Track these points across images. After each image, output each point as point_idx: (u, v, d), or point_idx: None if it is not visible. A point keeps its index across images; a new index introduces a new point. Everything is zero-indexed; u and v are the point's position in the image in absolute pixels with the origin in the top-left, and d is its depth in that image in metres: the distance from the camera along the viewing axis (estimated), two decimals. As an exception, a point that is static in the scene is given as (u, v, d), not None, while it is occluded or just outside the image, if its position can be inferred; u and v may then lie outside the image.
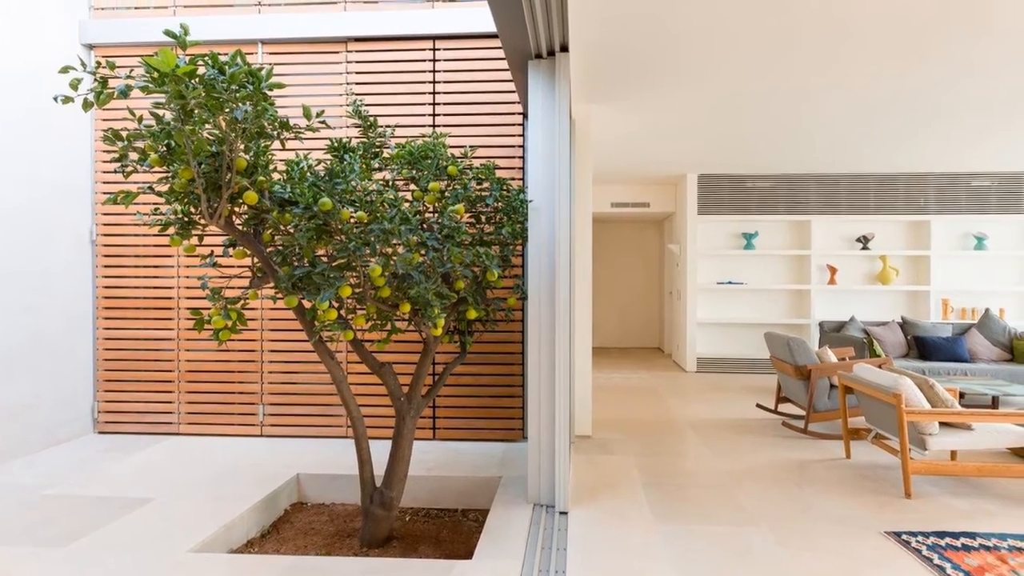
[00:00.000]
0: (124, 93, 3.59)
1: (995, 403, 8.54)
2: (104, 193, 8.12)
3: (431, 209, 5.66)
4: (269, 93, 3.97)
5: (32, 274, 7.39)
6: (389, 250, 4.67)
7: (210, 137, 4.12)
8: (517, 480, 6.25)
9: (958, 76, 7.12)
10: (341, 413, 7.87)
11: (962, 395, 8.54)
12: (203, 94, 3.62)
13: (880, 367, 7.67)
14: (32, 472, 6.66)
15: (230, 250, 4.80)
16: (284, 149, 4.62)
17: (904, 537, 5.09)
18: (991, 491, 6.25)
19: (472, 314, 5.43)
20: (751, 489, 6.28)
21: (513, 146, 7.68)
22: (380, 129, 5.60)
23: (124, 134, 3.96)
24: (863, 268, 14.15)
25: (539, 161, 5.66)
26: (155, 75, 3.53)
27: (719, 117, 9.04)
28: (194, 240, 4.60)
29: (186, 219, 4.46)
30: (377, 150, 5.54)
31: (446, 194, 5.54)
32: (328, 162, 4.80)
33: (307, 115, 4.28)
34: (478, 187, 5.83)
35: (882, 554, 4.84)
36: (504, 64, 7.49)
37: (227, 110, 3.82)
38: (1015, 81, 7.25)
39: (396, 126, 6.56)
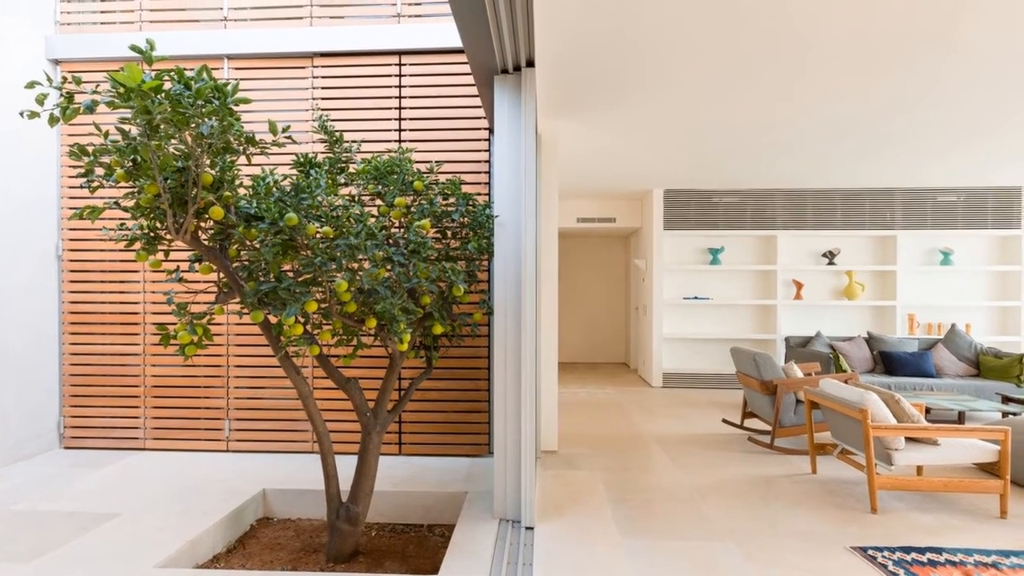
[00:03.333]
0: (90, 108, 3.59)
1: (961, 418, 8.61)
2: (70, 208, 8.06)
3: (397, 224, 5.70)
4: (235, 108, 3.98)
5: (-4, 289, 7.34)
6: (355, 265, 4.68)
7: (176, 152, 4.12)
8: (483, 495, 6.25)
9: (923, 93, 7.21)
10: (307, 428, 7.84)
11: (928, 410, 8.61)
12: (169, 109, 3.63)
13: (846, 382, 7.72)
14: (-4, 488, 6.61)
15: (196, 265, 4.80)
16: (250, 164, 4.64)
17: (870, 552, 5.13)
18: (957, 506, 6.31)
19: (438, 329, 5.43)
20: (717, 504, 6.32)
21: (479, 161, 7.70)
22: (346, 144, 5.62)
23: (90, 149, 3.96)
24: (829, 283, 14.25)
25: (505, 176, 5.70)
26: (121, 90, 3.53)
27: (685, 132, 9.10)
28: (160, 255, 4.58)
29: (152, 234, 4.45)
30: (343, 165, 5.56)
31: (412, 209, 5.57)
32: (294, 177, 4.79)
33: (273, 130, 4.29)
34: (444, 202, 5.85)
35: (848, 569, 4.88)
36: (470, 79, 7.50)
37: (193, 125, 3.82)
38: (979, 99, 7.36)
39: (362, 141, 6.58)
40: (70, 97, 3.66)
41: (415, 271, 4.91)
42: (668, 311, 14.58)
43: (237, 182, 4.53)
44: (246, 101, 4.01)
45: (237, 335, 7.94)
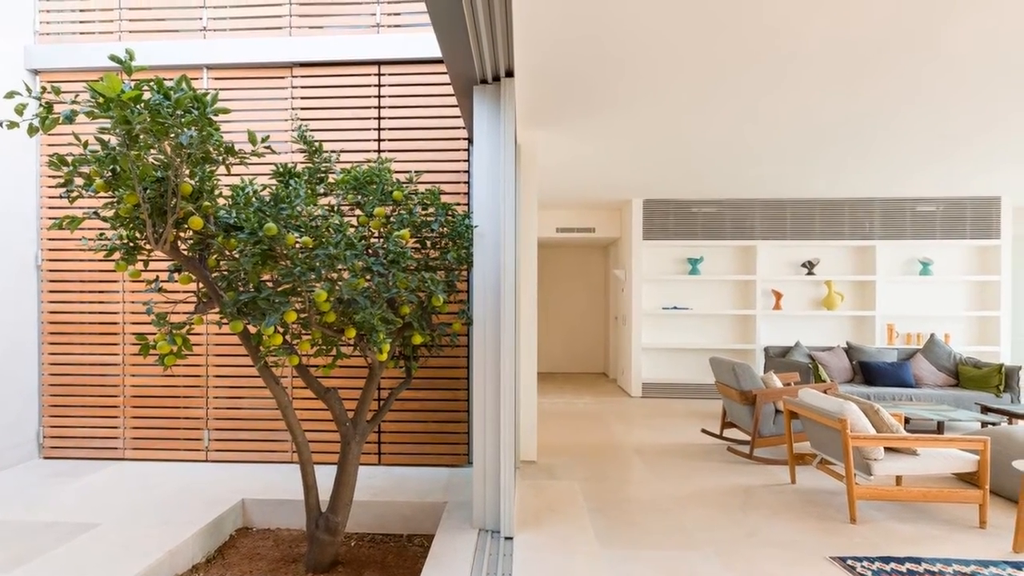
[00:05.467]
0: (69, 118, 3.59)
1: (940, 428, 8.62)
2: (50, 218, 8.06)
3: (376, 234, 5.68)
4: (214, 118, 3.99)
5: (-25, 299, 7.31)
6: (334, 275, 4.68)
7: (155, 162, 4.12)
8: (462, 505, 6.26)
9: (903, 103, 7.25)
10: (286, 438, 7.84)
11: (907, 420, 8.62)
12: (148, 119, 3.63)
13: (825, 392, 7.75)
14: (-25, 498, 6.58)
15: (175, 275, 4.79)
16: (229, 174, 4.64)
17: (849, 562, 5.14)
18: (936, 516, 6.33)
19: (417, 339, 5.45)
20: (697, 514, 6.33)
21: (458, 171, 7.74)
22: (325, 154, 5.63)
23: (69, 159, 3.96)
24: (808, 293, 14.32)
25: (484, 186, 5.72)
26: (100, 100, 3.54)
27: (664, 142, 9.14)
28: (139, 265, 4.57)
29: (131, 244, 4.45)
30: (322, 175, 5.57)
31: (391, 219, 5.58)
32: (273, 187, 4.80)
33: (252, 140, 4.30)
34: (423, 212, 5.87)
35: (827, 579, 4.90)
36: (449, 89, 7.53)
37: (172, 135, 3.83)
38: (959, 108, 7.40)
39: (341, 151, 6.61)
40: (49, 107, 3.66)
41: (394, 281, 4.92)
42: (647, 321, 14.61)
43: (216, 192, 4.54)
44: (225, 111, 4.03)
45: (216, 345, 7.93)
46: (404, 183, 5.89)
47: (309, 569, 5.29)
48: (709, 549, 5.44)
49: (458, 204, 7.51)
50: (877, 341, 13.72)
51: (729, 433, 9.84)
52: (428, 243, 6.00)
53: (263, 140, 4.45)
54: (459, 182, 7.72)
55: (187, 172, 4.22)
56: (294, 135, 5.71)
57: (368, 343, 4.86)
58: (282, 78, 7.89)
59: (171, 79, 3.93)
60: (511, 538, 5.47)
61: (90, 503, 6.38)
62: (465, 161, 7.74)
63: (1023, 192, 12.89)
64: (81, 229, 7.28)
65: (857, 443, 6.17)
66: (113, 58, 3.69)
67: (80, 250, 8.01)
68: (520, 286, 7.78)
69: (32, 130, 3.71)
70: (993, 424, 8.52)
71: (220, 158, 4.30)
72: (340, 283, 4.58)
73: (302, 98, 7.87)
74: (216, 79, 7.91)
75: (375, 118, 7.80)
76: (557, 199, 14.23)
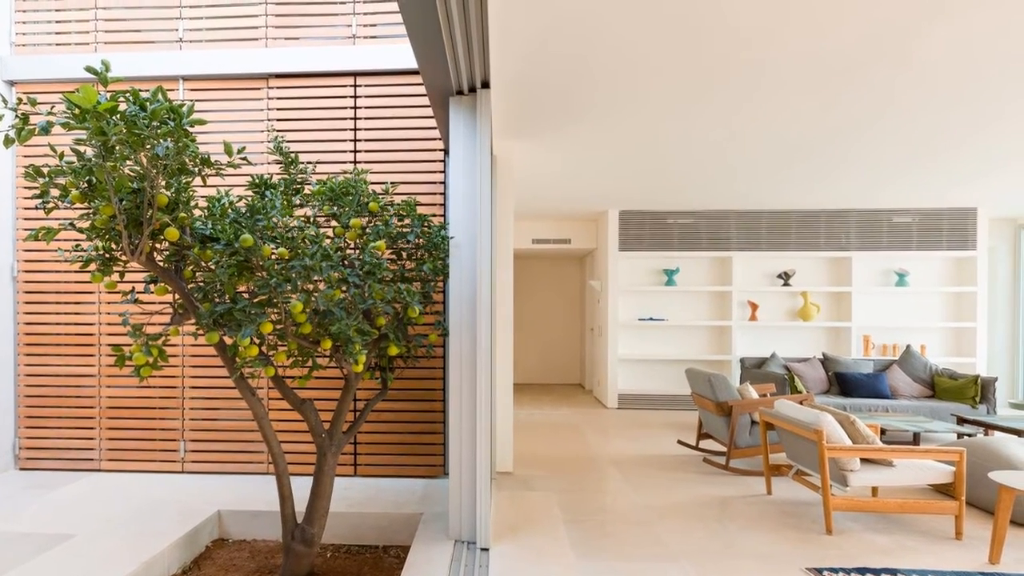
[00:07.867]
0: (45, 129, 3.58)
1: (916, 439, 8.66)
2: (25, 229, 8.02)
3: (352, 245, 5.68)
4: (190, 129, 3.99)
5: (-51, 310, 7.27)
6: (310, 286, 4.69)
7: (131, 173, 4.11)
8: (438, 516, 6.26)
9: (876, 114, 7.30)
10: (262, 449, 7.82)
11: (883, 431, 8.65)
12: (124, 130, 3.63)
13: (801, 403, 7.78)
14: (-50, 510, 6.54)
15: (151, 286, 4.79)
16: (205, 185, 4.63)
17: (825, 573, 5.16)
18: (912, 527, 6.35)
19: (393, 350, 5.46)
20: (673, 525, 6.34)
21: (434, 182, 7.76)
22: (301, 165, 5.63)
23: (45, 170, 3.94)
24: (784, 304, 14.42)
25: (460, 197, 5.74)
26: (76, 111, 3.54)
27: (640, 154, 9.19)
28: (115, 276, 4.55)
29: (107, 255, 4.43)
30: (298, 186, 5.58)
31: (367, 230, 5.59)
32: (249, 198, 4.82)
33: (228, 151, 4.30)
34: (399, 223, 5.89)
35: (803, 590, 4.92)
36: (426, 100, 7.54)
37: (148, 146, 3.82)
38: (933, 119, 7.45)
39: (317, 162, 6.63)
40: (25, 118, 3.65)
41: (370, 292, 4.93)
42: (623, 332, 14.66)
43: (192, 203, 4.53)
44: (201, 122, 4.02)
45: (192, 356, 7.92)
46: (380, 194, 5.90)
47: (285, 580, 5.28)
48: (685, 560, 5.46)
49: (434, 215, 7.48)
50: (853, 352, 13.82)
51: (705, 444, 9.86)
52: (404, 254, 6.02)
53: (239, 151, 4.46)
54: (435, 193, 7.74)
55: (163, 183, 4.22)
56: (270, 146, 5.72)
57: (344, 354, 4.85)
58: (258, 89, 7.89)
59: (147, 90, 3.93)
60: (487, 549, 5.48)
61: (66, 514, 6.35)
62: (441, 172, 7.76)
63: (999, 203, 13.01)
64: (57, 240, 7.24)
65: (833, 454, 6.18)
66: (89, 69, 3.69)
67: (56, 261, 7.99)
68: (496, 297, 7.79)
69: (8, 141, 3.70)
70: (969, 435, 8.57)
71: (196, 169, 4.30)
72: (316, 294, 4.59)
73: (278, 109, 7.88)
74: (192, 90, 7.91)
75: (351, 129, 7.81)
76: (533, 210, 14.28)
